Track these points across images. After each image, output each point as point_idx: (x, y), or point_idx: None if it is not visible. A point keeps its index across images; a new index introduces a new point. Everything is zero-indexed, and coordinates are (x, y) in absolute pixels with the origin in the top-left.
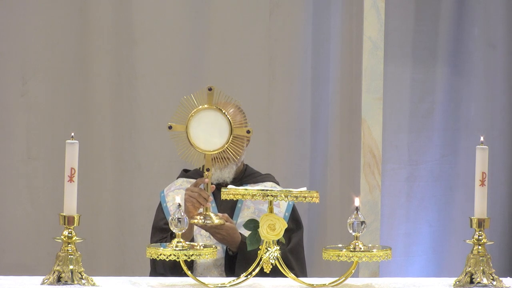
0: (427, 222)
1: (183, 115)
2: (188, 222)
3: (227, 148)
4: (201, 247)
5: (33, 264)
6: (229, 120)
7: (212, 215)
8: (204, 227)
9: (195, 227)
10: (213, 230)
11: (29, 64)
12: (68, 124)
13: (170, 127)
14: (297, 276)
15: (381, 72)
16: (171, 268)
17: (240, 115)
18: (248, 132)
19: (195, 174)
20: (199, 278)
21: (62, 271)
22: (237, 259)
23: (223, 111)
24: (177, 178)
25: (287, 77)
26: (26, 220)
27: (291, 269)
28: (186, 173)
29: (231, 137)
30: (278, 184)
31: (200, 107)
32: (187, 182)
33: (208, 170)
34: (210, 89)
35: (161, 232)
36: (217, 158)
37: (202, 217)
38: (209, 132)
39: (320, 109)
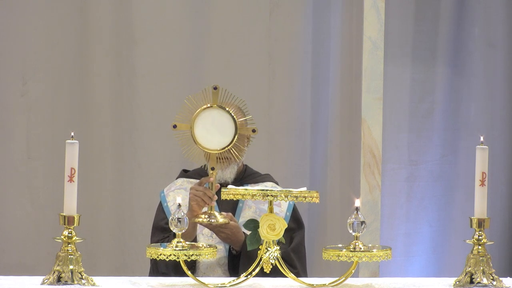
0: (427, 222)
1: (188, 114)
2: (191, 221)
3: (232, 148)
4: (205, 247)
5: (33, 264)
6: (234, 119)
7: (216, 214)
8: (208, 226)
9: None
10: (217, 229)
11: (29, 64)
12: (68, 124)
13: (174, 126)
14: (300, 275)
15: (381, 72)
16: (174, 267)
17: (241, 116)
18: (253, 131)
19: (195, 174)
20: (201, 278)
21: (62, 271)
22: (241, 258)
23: (228, 110)
24: (177, 178)
25: (287, 77)
26: (26, 220)
27: (293, 268)
28: (186, 173)
29: (237, 136)
30: (277, 184)
31: (205, 106)
32: (187, 182)
33: (213, 169)
34: (215, 88)
35: (162, 231)
36: (219, 158)
37: (206, 216)
38: (214, 131)
39: (320, 109)
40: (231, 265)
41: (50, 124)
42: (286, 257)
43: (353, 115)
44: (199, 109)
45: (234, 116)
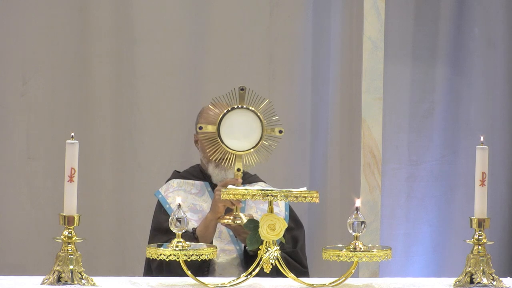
0: (427, 222)
1: (213, 116)
2: (217, 221)
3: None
4: (217, 247)
5: (33, 264)
6: (261, 120)
7: (241, 215)
8: (235, 227)
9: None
10: (240, 230)
11: (29, 64)
12: (68, 124)
13: (200, 128)
14: (308, 274)
15: (381, 72)
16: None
17: None
18: (280, 132)
19: (189, 174)
20: (201, 278)
21: (62, 271)
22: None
23: (255, 111)
24: (170, 179)
25: (287, 77)
26: (26, 220)
27: (303, 267)
28: (179, 174)
29: (263, 137)
30: (265, 183)
31: (232, 107)
32: (184, 183)
33: (238, 170)
34: (242, 90)
35: (165, 233)
36: (222, 159)
37: (232, 217)
38: (240, 132)
39: (320, 109)
40: (249, 265)
41: (50, 124)
42: (295, 257)
43: (353, 115)
44: (225, 111)
45: (261, 117)
